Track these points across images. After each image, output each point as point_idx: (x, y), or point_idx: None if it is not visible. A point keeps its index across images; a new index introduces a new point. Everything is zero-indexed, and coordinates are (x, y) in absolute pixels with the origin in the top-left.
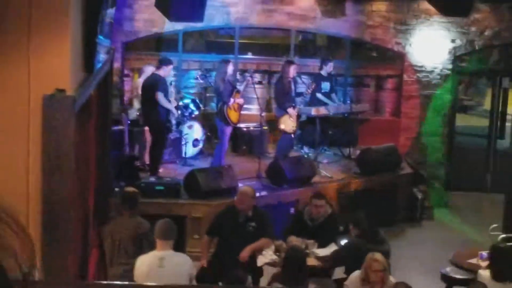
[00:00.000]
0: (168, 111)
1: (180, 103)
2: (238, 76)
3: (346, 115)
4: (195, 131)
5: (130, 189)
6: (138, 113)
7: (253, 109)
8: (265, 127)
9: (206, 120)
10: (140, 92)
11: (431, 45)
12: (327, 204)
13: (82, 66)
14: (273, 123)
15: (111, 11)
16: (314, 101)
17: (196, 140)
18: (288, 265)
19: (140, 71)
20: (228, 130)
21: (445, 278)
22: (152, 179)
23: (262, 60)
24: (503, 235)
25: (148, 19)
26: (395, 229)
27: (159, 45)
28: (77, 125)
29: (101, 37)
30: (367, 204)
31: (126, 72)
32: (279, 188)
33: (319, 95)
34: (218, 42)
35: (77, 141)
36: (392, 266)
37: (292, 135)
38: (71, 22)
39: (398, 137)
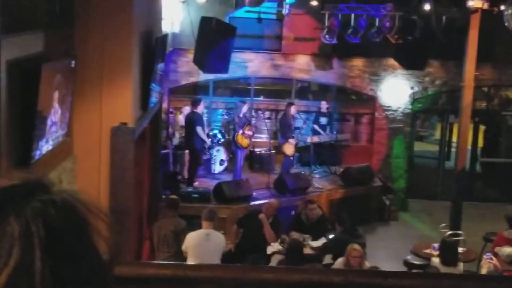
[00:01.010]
0: (203, 139)
1: (211, 133)
2: (253, 113)
3: (333, 142)
4: (221, 154)
5: (173, 196)
6: (180, 140)
7: (264, 137)
8: (273, 151)
9: (229, 146)
10: (180, 125)
11: (395, 91)
12: (318, 208)
13: (140, 105)
14: (278, 148)
15: (161, 65)
16: (312, 131)
17: (222, 160)
18: (290, 253)
19: (180, 110)
20: (241, 152)
21: (407, 264)
22: (190, 189)
23: (270, 101)
24: (450, 232)
25: (187, 71)
26: (369, 227)
27: (195, 90)
28: (135, 149)
29: (153, 84)
30: (348, 208)
31: (171, 110)
32: (283, 196)
33: (315, 127)
34: (239, 88)
35: (136, 160)
36: (367, 255)
37: (292, 158)
38: (133, 72)
39: (371, 158)
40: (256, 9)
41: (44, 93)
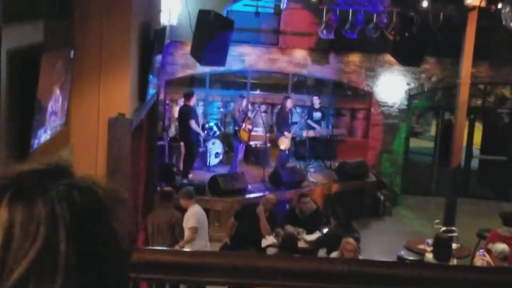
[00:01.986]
0: (197, 132)
1: (207, 126)
2: (250, 107)
3: (328, 137)
4: (217, 146)
5: (167, 188)
6: (175, 132)
7: (260, 131)
8: (269, 145)
9: (225, 139)
10: (176, 117)
11: (392, 87)
12: (312, 202)
13: (137, 96)
14: (273, 142)
15: (159, 57)
16: (306, 126)
17: (217, 153)
18: (284, 246)
19: (177, 102)
20: (241, 146)
21: (400, 259)
22: (185, 181)
23: (267, 95)
24: (444, 228)
25: (184, 63)
26: (363, 222)
27: (192, 82)
28: (132, 139)
29: (151, 76)
30: (343, 202)
31: (167, 102)
32: (278, 190)
33: (310, 122)
34: (235, 82)
35: (132, 151)
36: (361, 249)
37: (287, 152)
38: (131, 64)
39: (367, 154)
40: (254, 3)
41: (44, 83)
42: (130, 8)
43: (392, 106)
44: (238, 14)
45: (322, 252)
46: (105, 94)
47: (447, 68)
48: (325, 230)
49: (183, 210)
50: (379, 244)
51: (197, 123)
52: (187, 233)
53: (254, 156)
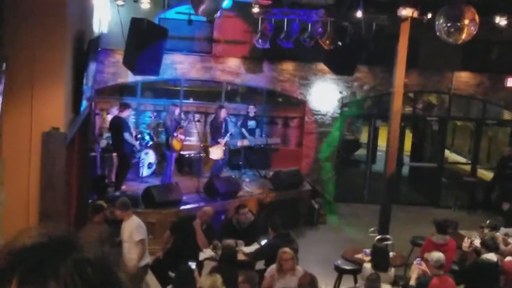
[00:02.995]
0: (131, 143)
1: (139, 136)
2: (183, 116)
3: (262, 145)
4: (149, 157)
5: (98, 202)
6: (107, 142)
7: (194, 140)
8: (203, 154)
9: (157, 149)
10: (107, 127)
11: (325, 95)
12: (250, 212)
13: (71, 109)
14: (208, 151)
15: (93, 66)
16: (240, 135)
17: (150, 163)
18: (223, 260)
19: (107, 110)
20: (172, 156)
21: (338, 268)
22: (117, 193)
23: (200, 104)
24: (379, 236)
25: (114, 72)
26: (298, 231)
27: (122, 91)
28: (66, 153)
29: (85, 86)
30: (278, 211)
31: (97, 111)
32: (213, 200)
33: (243, 131)
34: (168, 90)
35: (66, 164)
36: (298, 260)
37: (221, 161)
38: (65, 75)
39: (301, 162)
40: (187, 10)
41: None
42: (64, 18)
43: (325, 115)
44: (171, 22)
45: (260, 264)
46: (38, 107)
47: (378, 76)
48: (263, 242)
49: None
50: (315, 253)
51: (131, 134)
52: (137, 248)
53: (188, 166)
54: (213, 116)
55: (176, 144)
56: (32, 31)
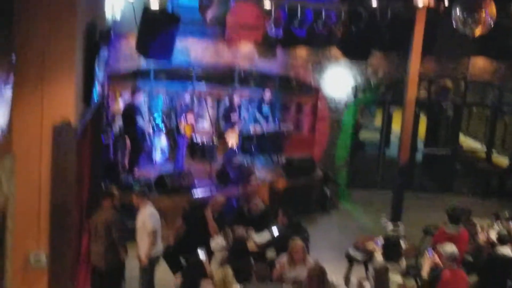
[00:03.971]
0: (143, 129)
1: (152, 121)
2: (195, 101)
3: (275, 132)
4: (162, 142)
5: (109, 187)
6: (120, 127)
7: (206, 125)
8: (215, 140)
9: (170, 134)
10: (120, 112)
11: (338, 81)
12: (261, 201)
13: (83, 101)
14: (220, 137)
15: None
16: (253, 121)
17: (162, 148)
18: (234, 250)
19: (120, 95)
20: (184, 141)
21: (348, 257)
22: (130, 179)
23: (213, 89)
24: (391, 224)
25: (127, 56)
26: (310, 217)
27: (136, 75)
28: (77, 144)
29: (97, 69)
30: (290, 198)
31: (110, 96)
32: (226, 187)
33: (257, 115)
34: (180, 74)
35: (77, 155)
36: (309, 248)
37: (234, 148)
38: (76, 68)
39: (313, 148)
40: None
41: None
42: (74, 9)
43: (338, 101)
44: (184, 7)
45: (271, 254)
46: (49, 99)
47: (393, 62)
48: (274, 230)
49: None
50: (327, 239)
51: (143, 119)
52: (148, 239)
53: (200, 151)
54: (226, 101)
55: (186, 129)
56: (42, 22)
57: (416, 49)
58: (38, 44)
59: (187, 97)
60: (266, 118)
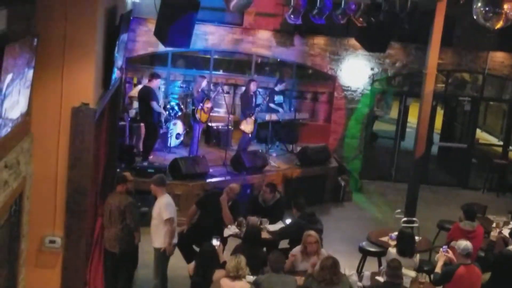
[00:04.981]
0: (159, 113)
1: (168, 106)
2: (212, 87)
3: (290, 120)
4: (178, 127)
5: (122, 172)
6: (136, 112)
7: (222, 112)
8: (231, 127)
9: (186, 119)
10: (137, 96)
11: (355, 71)
12: (276, 191)
13: (102, 84)
14: (236, 124)
15: (124, 37)
16: (268, 109)
17: (178, 134)
18: (248, 238)
19: (138, 79)
20: (199, 127)
21: (362, 250)
22: (145, 163)
23: (230, 75)
24: (405, 219)
25: (146, 41)
26: (323, 208)
27: (153, 60)
28: (95, 127)
29: (116, 55)
30: (304, 187)
31: (128, 80)
32: (240, 174)
33: (272, 105)
34: (198, 61)
35: (95, 138)
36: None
37: (250, 135)
38: (96, 52)
39: (328, 138)
40: None
41: (6, 72)
42: None
43: (355, 91)
44: None
45: (284, 243)
46: (69, 82)
47: (411, 54)
48: (288, 221)
49: (144, 194)
50: (340, 231)
51: (158, 104)
52: (165, 226)
53: (215, 137)
54: (243, 89)
55: (202, 115)
56: (63, 7)
57: (435, 42)
58: (59, 28)
59: (203, 83)
60: (281, 106)
